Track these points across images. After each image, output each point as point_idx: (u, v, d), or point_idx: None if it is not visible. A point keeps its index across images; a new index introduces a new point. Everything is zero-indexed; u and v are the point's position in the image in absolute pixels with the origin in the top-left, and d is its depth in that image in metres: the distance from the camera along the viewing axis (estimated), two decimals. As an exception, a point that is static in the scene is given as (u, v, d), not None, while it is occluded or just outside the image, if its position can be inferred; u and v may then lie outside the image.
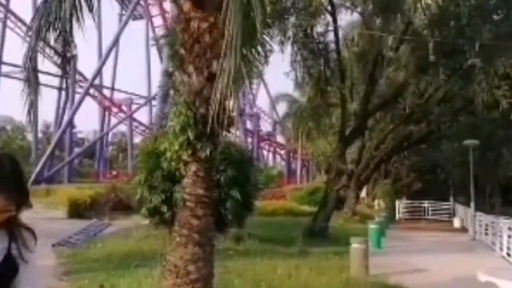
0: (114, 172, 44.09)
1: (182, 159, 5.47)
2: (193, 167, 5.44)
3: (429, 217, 25.78)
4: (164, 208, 10.83)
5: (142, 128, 46.93)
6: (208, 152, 5.40)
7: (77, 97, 37.11)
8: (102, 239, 11.57)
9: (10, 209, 1.78)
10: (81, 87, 37.61)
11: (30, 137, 49.78)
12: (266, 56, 7.26)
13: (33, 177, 30.37)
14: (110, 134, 53.41)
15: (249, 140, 44.86)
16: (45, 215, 16.36)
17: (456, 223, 22.85)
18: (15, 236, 1.83)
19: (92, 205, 17.21)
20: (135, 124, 46.77)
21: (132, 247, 9.94)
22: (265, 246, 10.58)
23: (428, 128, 20.73)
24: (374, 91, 15.27)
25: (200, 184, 5.39)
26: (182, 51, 5.36)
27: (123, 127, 50.79)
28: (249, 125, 49.11)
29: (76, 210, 16.66)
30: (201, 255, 5.12)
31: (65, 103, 38.98)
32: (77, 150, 44.50)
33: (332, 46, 13.80)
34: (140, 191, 11.23)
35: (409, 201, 26.99)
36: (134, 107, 46.53)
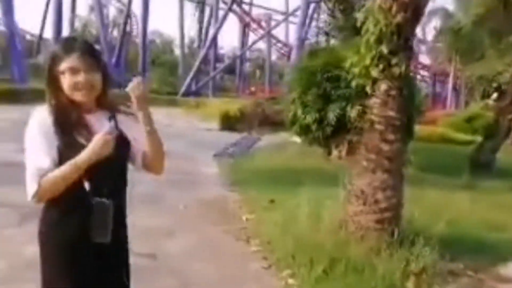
0: (252, 88, 45.28)
1: (371, 75, 4.89)
2: (383, 86, 4.84)
3: None
4: (315, 127, 10.62)
5: (279, 45, 46.64)
6: (403, 68, 4.75)
7: (220, 13, 37.81)
8: (256, 152, 11.87)
9: (91, 71, 1.80)
10: (225, 3, 38.05)
11: (176, 51, 52.90)
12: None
13: (182, 89, 32.60)
14: (247, 51, 54.36)
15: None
16: (200, 126, 17.42)
17: None
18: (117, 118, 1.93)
19: (241, 118, 17.76)
20: (273, 41, 46.61)
21: (289, 163, 9.98)
22: (426, 175, 9.81)
23: None
24: None
25: (391, 105, 4.82)
26: None
27: (259, 44, 51.11)
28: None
29: (227, 123, 17.32)
30: (391, 183, 4.69)
31: (210, 18, 40.07)
32: (218, 65, 46.28)
33: None
34: (294, 109, 11.09)
35: None
36: (272, 23, 46.07)
